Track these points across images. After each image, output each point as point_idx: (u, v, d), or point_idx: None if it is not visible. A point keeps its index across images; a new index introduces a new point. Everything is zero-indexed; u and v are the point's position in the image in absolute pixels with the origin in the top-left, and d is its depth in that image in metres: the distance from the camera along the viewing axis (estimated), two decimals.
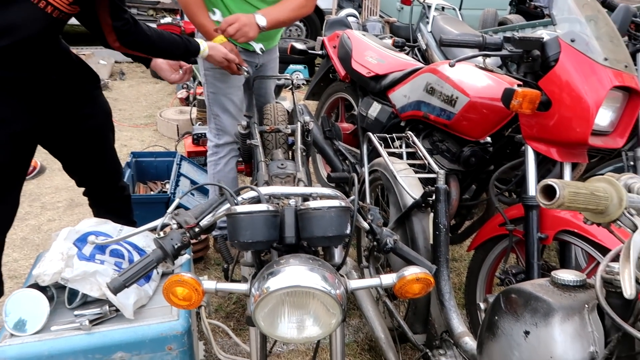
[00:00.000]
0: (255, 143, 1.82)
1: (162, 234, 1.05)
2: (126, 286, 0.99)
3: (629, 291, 0.69)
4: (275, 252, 1.12)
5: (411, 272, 1.02)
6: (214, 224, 1.13)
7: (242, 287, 1.04)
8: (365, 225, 1.18)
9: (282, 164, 1.67)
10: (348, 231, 1.05)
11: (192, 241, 1.12)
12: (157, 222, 1.09)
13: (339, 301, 0.95)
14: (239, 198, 1.13)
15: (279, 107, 2.27)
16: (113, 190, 2.03)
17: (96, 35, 1.63)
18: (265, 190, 1.15)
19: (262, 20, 1.99)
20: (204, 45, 1.90)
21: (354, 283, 1.06)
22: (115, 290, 0.98)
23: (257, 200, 1.12)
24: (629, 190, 0.90)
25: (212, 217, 1.11)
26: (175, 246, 1.02)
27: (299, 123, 1.99)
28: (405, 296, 1.05)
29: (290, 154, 2.17)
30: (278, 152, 1.98)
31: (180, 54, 1.84)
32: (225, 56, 1.98)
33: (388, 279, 1.05)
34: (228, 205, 1.10)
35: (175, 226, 1.06)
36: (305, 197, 1.19)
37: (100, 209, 2.02)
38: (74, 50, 1.94)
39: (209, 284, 1.01)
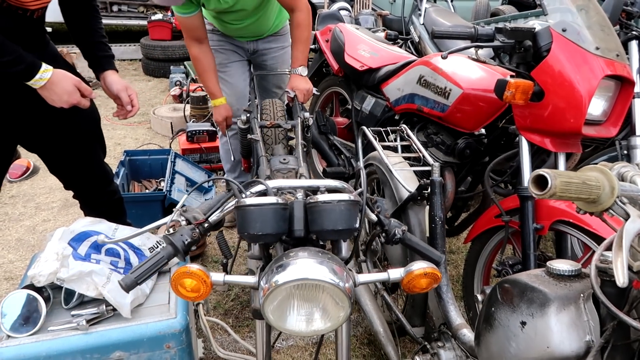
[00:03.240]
0: (256, 138, 1.83)
1: (171, 230, 1.05)
2: (138, 283, 0.98)
3: (621, 279, 0.69)
4: (279, 246, 1.12)
5: (419, 266, 1.02)
6: (223, 220, 1.14)
7: (250, 279, 1.04)
8: (373, 217, 1.18)
9: (284, 159, 1.67)
10: (357, 225, 1.05)
11: None
12: (166, 219, 1.08)
13: (347, 294, 0.95)
14: (248, 192, 1.13)
15: (278, 103, 2.28)
16: (101, 195, 2.00)
17: None
18: (272, 183, 1.15)
19: (304, 71, 2.30)
20: (46, 75, 1.47)
21: (362, 277, 1.05)
22: (128, 288, 0.97)
23: (263, 193, 1.12)
24: (622, 179, 0.90)
25: (221, 212, 1.11)
26: (186, 242, 1.02)
27: (299, 118, 2.00)
28: (413, 291, 1.04)
29: (288, 149, 2.17)
30: (279, 147, 1.98)
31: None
32: (78, 85, 1.56)
33: (396, 273, 1.04)
34: (235, 200, 1.10)
35: (184, 222, 1.06)
36: (313, 190, 1.19)
37: (90, 212, 2.00)
38: (64, 49, 1.91)
39: (217, 276, 1.00)
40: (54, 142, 1.78)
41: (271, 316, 0.97)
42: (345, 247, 1.18)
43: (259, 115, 2.18)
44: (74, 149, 1.82)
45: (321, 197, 1.03)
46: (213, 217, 1.10)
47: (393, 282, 1.08)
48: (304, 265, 0.94)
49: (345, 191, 1.14)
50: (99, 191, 2.00)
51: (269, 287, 0.94)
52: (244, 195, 1.09)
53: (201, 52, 2.30)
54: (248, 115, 2.07)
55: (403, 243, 1.17)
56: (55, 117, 1.68)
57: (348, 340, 1.22)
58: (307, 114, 2.05)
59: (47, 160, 1.87)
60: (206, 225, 1.08)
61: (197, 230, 1.05)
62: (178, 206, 1.10)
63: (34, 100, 1.58)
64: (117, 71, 1.81)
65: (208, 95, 4.14)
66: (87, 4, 1.75)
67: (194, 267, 0.97)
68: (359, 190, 1.11)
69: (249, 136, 1.90)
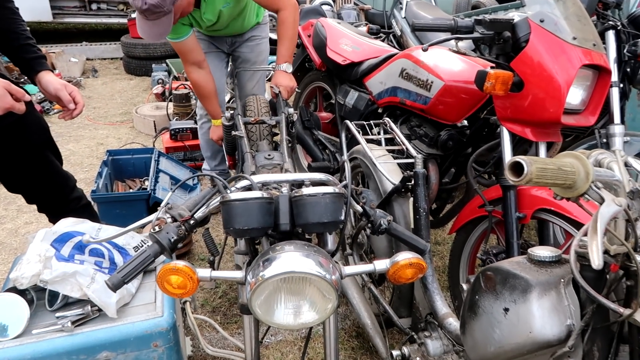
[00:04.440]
0: (240, 134, 1.82)
1: (156, 228, 1.04)
2: (125, 282, 0.97)
3: (596, 262, 0.71)
4: (265, 241, 1.12)
5: (404, 257, 1.02)
6: (209, 216, 1.13)
7: (237, 274, 1.04)
8: (359, 208, 1.19)
9: (269, 155, 1.67)
10: (342, 217, 1.06)
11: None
12: (151, 217, 1.07)
13: (334, 286, 0.95)
14: (233, 187, 1.12)
15: (262, 99, 2.27)
16: (66, 203, 1.92)
17: None
18: (257, 178, 1.15)
19: (289, 68, 2.29)
20: None
21: (348, 269, 1.05)
22: (115, 287, 0.96)
23: (248, 188, 1.12)
24: (600, 165, 0.92)
25: (207, 208, 1.11)
26: (172, 239, 1.01)
27: (283, 114, 1.99)
28: (399, 281, 1.05)
29: (273, 145, 2.17)
30: (263, 143, 1.98)
31: None
32: (8, 88, 1.43)
33: (381, 264, 1.05)
34: (221, 196, 1.10)
35: (169, 220, 1.06)
36: (298, 184, 1.19)
37: None
38: (42, 48, 1.84)
39: (203, 272, 0.99)
40: (5, 160, 1.69)
41: (259, 310, 0.97)
42: (331, 240, 1.18)
43: (242, 112, 2.18)
44: (28, 164, 1.74)
45: (306, 191, 1.03)
46: (199, 214, 1.09)
47: (380, 275, 1.09)
48: (290, 259, 0.94)
49: (330, 184, 1.15)
50: (63, 200, 1.92)
51: (255, 281, 0.94)
52: (228, 191, 1.08)
53: (202, 78, 2.33)
54: (232, 112, 2.07)
55: (389, 233, 1.18)
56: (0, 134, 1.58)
57: (336, 333, 1.22)
58: (291, 110, 2.05)
59: (3, 179, 1.78)
60: (192, 222, 1.07)
61: (183, 227, 1.04)
62: (163, 204, 1.09)
63: None
64: (51, 71, 1.69)
65: (191, 93, 4.12)
66: (2, 6, 1.60)
67: (180, 263, 0.96)
68: (344, 182, 1.11)
69: (233, 133, 1.89)
